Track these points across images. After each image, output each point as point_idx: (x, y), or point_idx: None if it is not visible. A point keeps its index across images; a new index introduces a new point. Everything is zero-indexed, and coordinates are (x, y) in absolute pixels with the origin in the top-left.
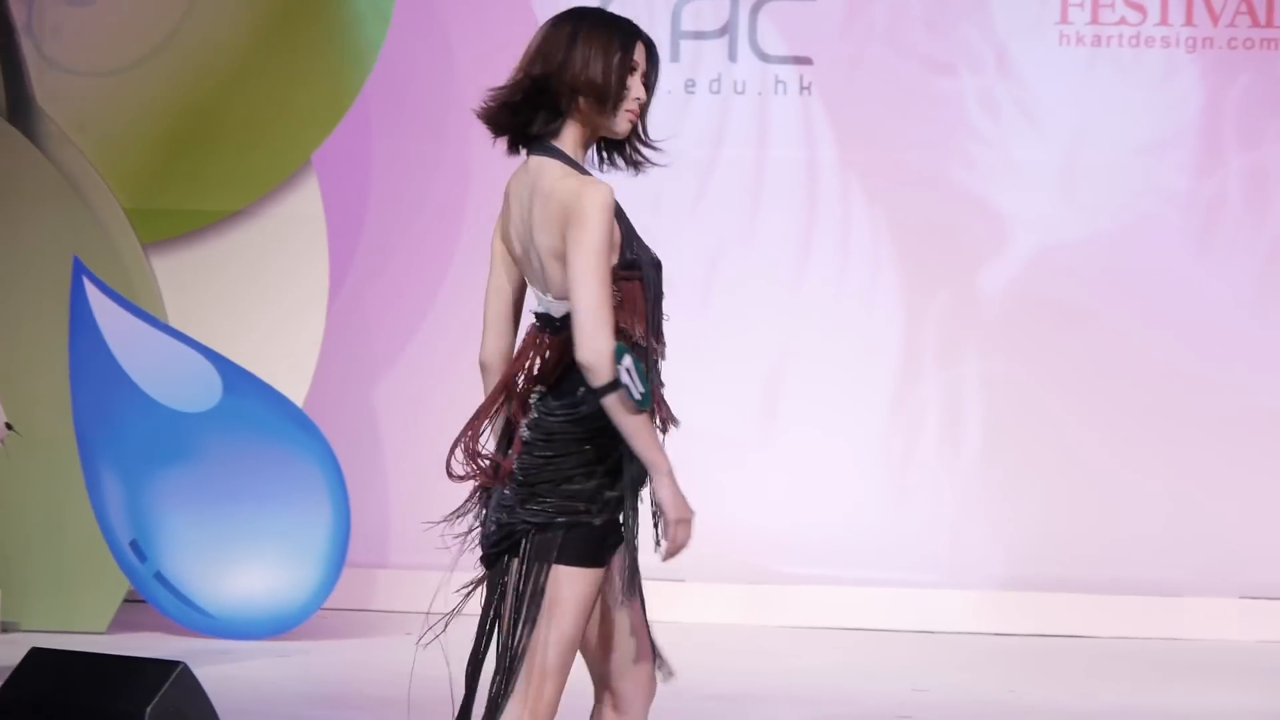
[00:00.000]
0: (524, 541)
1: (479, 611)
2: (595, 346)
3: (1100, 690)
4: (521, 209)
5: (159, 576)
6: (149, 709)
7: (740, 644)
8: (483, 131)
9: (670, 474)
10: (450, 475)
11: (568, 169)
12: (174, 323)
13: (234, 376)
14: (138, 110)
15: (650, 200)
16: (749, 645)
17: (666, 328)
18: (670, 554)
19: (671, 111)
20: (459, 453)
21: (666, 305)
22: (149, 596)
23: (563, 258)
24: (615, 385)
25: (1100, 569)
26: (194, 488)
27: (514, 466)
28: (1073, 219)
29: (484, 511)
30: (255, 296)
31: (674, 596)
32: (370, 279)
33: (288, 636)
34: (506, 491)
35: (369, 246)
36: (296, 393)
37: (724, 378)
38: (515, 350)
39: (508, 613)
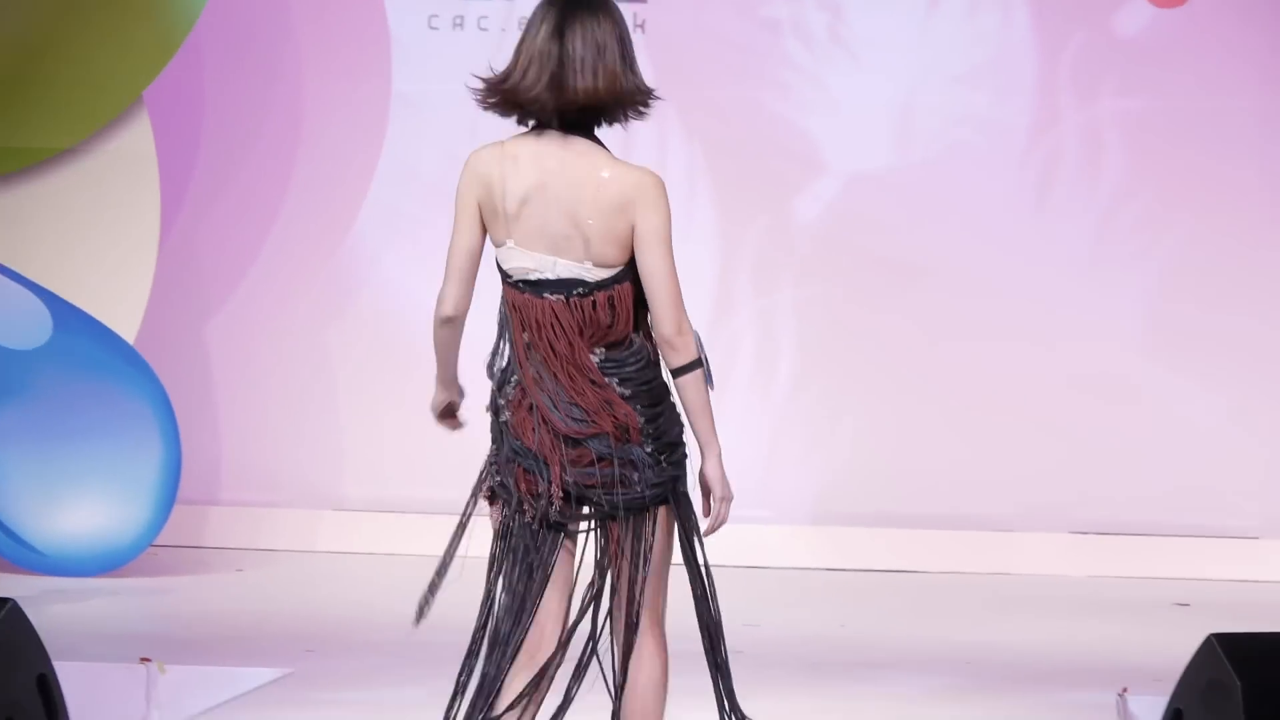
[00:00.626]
0: (658, 500)
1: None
2: (684, 327)
3: (931, 624)
4: (559, 181)
5: None
6: None
7: None
8: (316, 71)
9: (721, 454)
10: (575, 432)
11: (612, 157)
12: (3, 260)
13: (64, 314)
14: None
15: (467, 133)
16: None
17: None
18: (713, 529)
19: (503, 47)
20: (560, 415)
21: None
22: None
23: (620, 238)
24: (697, 364)
25: (931, 505)
26: (23, 425)
27: (640, 423)
28: (889, 152)
29: (540, 473)
30: (86, 234)
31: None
32: (202, 217)
33: (119, 573)
34: (635, 449)
35: (201, 185)
36: (127, 330)
37: None
38: (531, 321)
39: (626, 564)
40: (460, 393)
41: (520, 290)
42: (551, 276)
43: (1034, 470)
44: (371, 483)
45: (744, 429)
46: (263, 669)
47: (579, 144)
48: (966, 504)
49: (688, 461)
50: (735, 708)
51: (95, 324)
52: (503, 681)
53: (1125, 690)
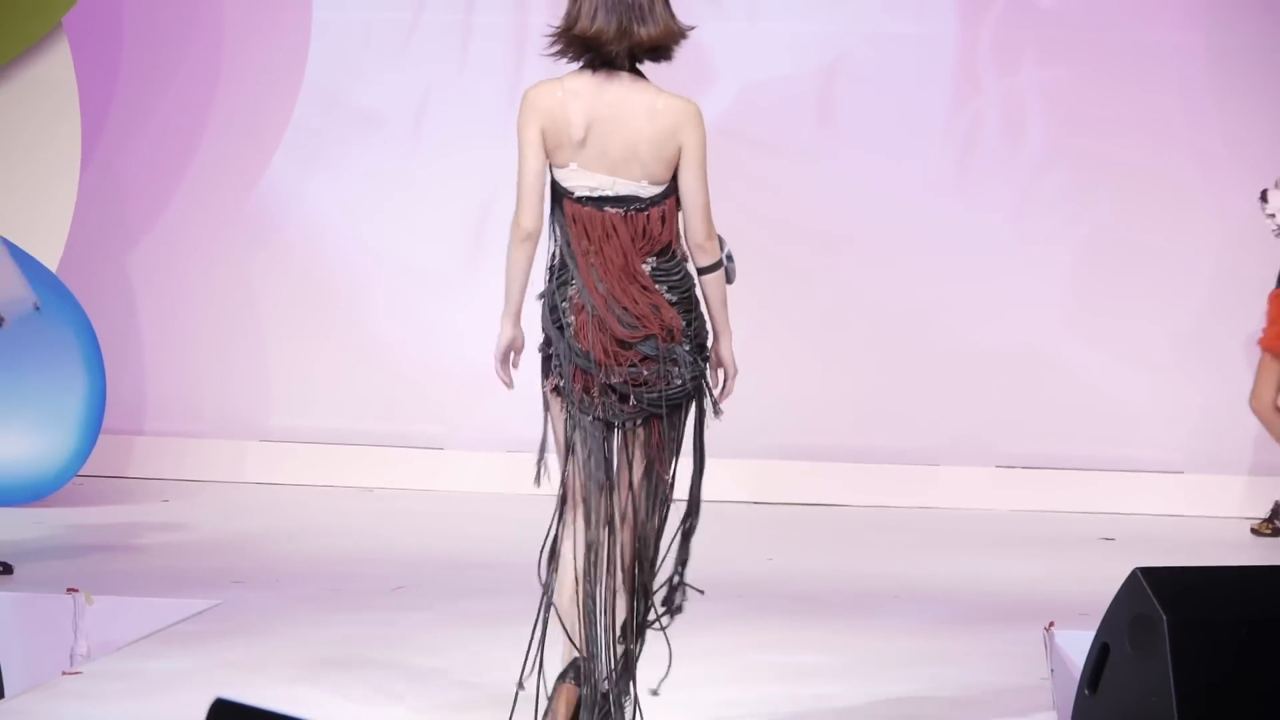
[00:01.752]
0: (692, 396)
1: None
2: (712, 233)
3: (857, 558)
4: (616, 112)
5: None
6: None
7: (502, 512)
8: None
9: (732, 338)
10: (628, 336)
11: (659, 89)
12: None
13: None
14: None
15: (389, 60)
16: (512, 514)
17: None
18: (724, 398)
19: None
20: (618, 317)
21: None
22: None
23: (669, 159)
24: (719, 265)
25: (856, 439)
26: None
27: (683, 325)
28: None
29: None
30: (6, 161)
31: (435, 464)
32: (123, 146)
33: (44, 503)
34: (678, 348)
35: (121, 112)
36: (49, 258)
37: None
38: (595, 233)
39: (654, 461)
40: (522, 332)
41: (583, 205)
42: (612, 193)
43: (959, 405)
44: (298, 413)
45: None
46: (191, 600)
47: (630, 79)
48: (892, 438)
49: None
50: (682, 575)
51: (17, 252)
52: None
53: (1052, 625)
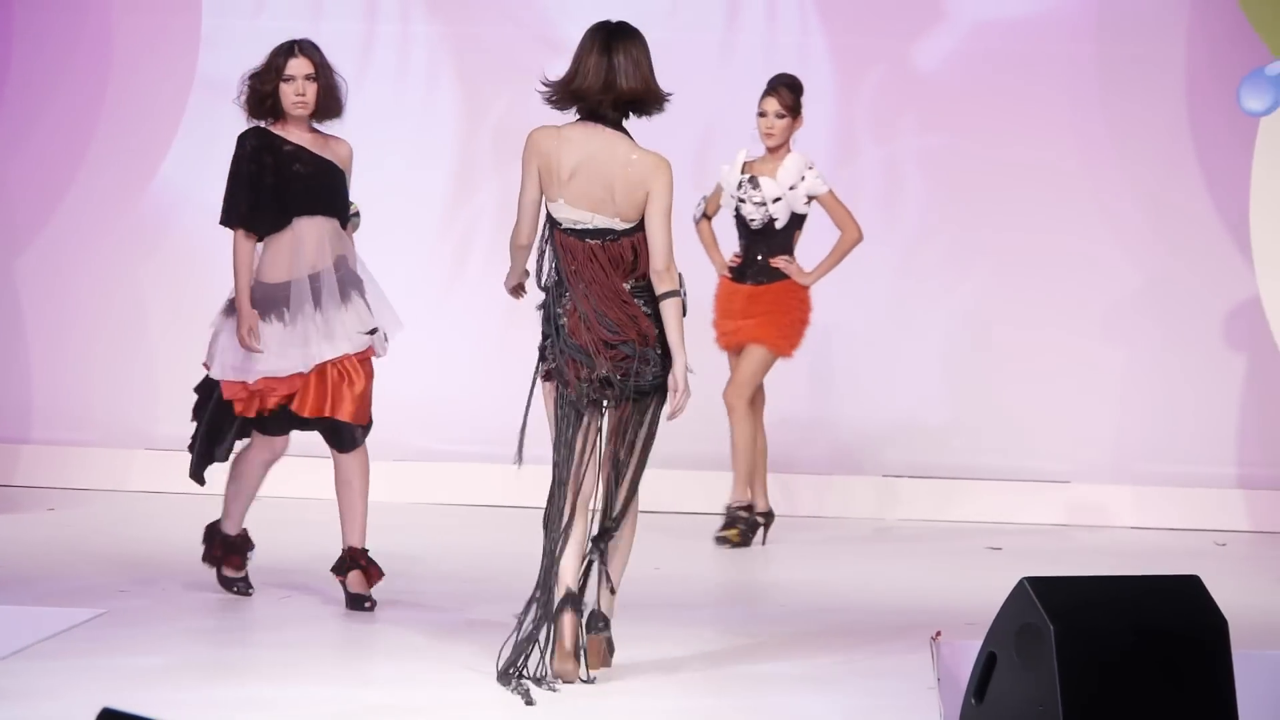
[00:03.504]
0: (658, 389)
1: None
2: (671, 265)
3: (745, 566)
4: (599, 159)
5: None
6: None
7: (389, 521)
8: (126, 3)
9: (685, 361)
10: (610, 339)
11: (635, 144)
12: None
13: None
14: None
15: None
16: (397, 521)
17: None
18: (675, 414)
19: None
20: (608, 323)
21: None
22: None
23: (639, 203)
24: (676, 293)
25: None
26: None
27: (655, 334)
28: None
29: (583, 369)
30: None
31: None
32: (11, 151)
33: None
34: (650, 350)
35: (10, 118)
36: None
37: None
38: (580, 257)
39: (627, 443)
40: (526, 274)
41: (568, 234)
42: (591, 226)
43: (846, 414)
44: (183, 421)
45: None
46: (76, 609)
47: (613, 134)
48: (783, 448)
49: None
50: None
51: None
52: (573, 511)
53: (939, 634)
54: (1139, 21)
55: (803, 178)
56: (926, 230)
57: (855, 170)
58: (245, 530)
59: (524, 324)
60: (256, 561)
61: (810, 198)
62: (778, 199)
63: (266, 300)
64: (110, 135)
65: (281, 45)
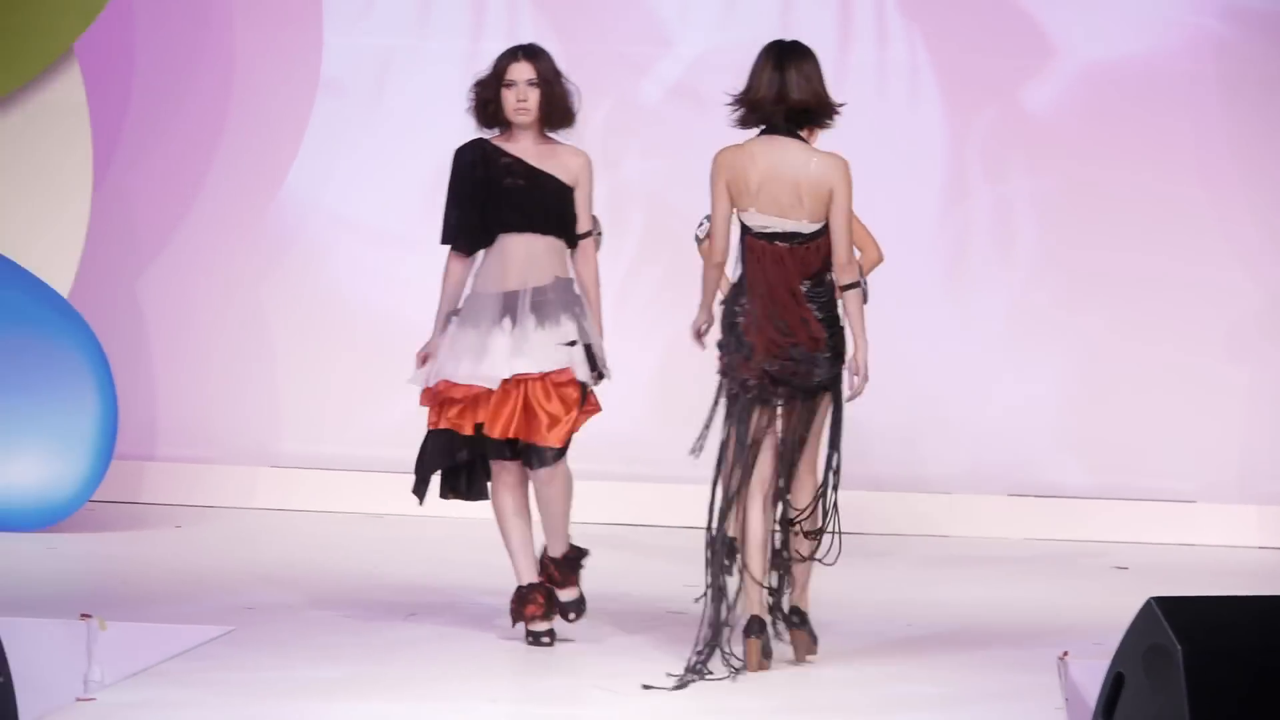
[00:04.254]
0: (826, 387)
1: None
2: (852, 259)
3: (872, 586)
4: (781, 167)
5: None
6: None
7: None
8: (246, 19)
9: (867, 347)
10: (783, 341)
11: (814, 150)
12: None
13: None
14: None
15: (397, 85)
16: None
17: None
18: (855, 396)
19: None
20: (777, 327)
21: None
22: None
23: (823, 203)
24: (857, 284)
25: (871, 467)
26: None
27: (824, 337)
28: None
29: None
30: (18, 186)
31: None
32: (134, 169)
33: (56, 529)
34: (817, 354)
35: (133, 136)
36: (61, 283)
37: None
38: (766, 260)
39: (796, 441)
40: (710, 320)
41: (758, 239)
42: (780, 230)
43: (972, 433)
44: (308, 439)
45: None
46: (204, 626)
47: (791, 142)
48: (906, 466)
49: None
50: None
51: (28, 276)
52: (744, 496)
53: (1066, 654)
54: (1264, 44)
55: None
56: (1045, 259)
57: (967, 209)
58: (545, 578)
59: (627, 335)
60: (378, 578)
61: None
62: None
63: (470, 309)
64: (232, 151)
65: (505, 50)
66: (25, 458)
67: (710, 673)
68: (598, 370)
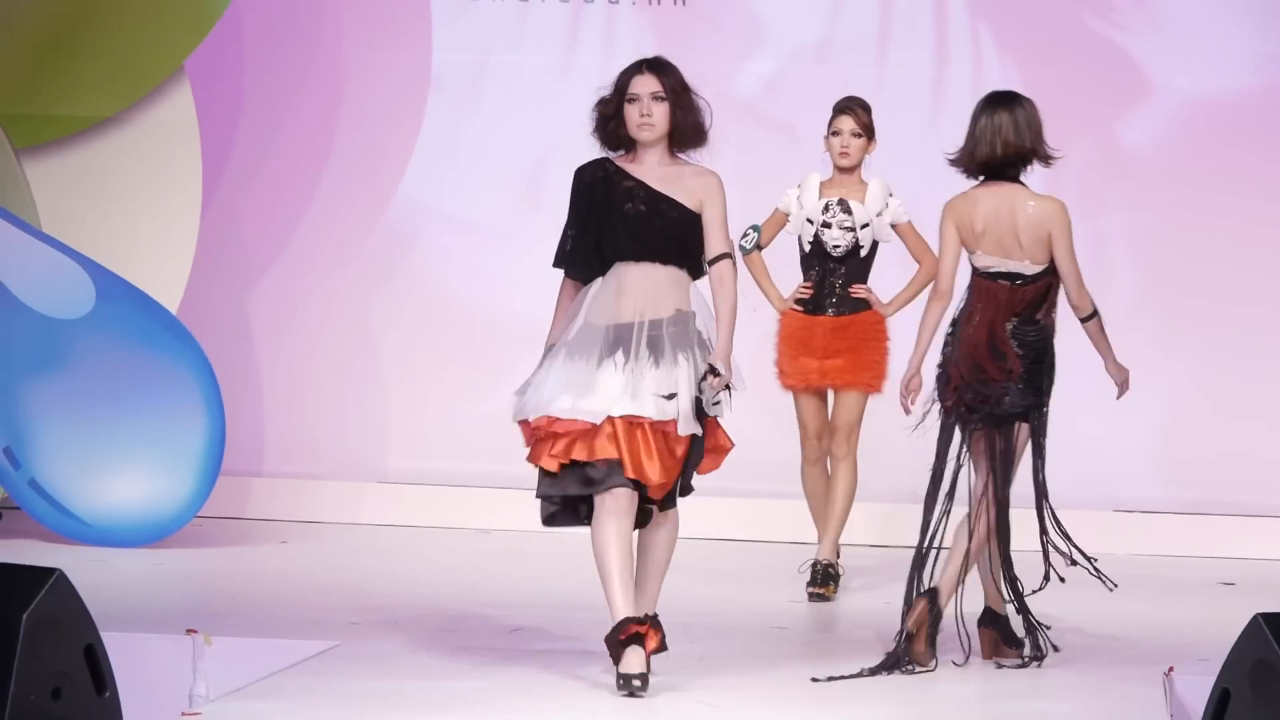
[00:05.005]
0: (1020, 417)
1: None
2: (1083, 294)
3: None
4: (1002, 212)
5: (33, 484)
6: (25, 615)
7: None
8: (356, 40)
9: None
10: (976, 373)
11: (1031, 192)
12: (47, 229)
13: (107, 283)
14: (9, 15)
15: (502, 105)
16: None
17: None
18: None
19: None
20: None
21: None
22: (23, 504)
23: (1043, 244)
24: (1094, 315)
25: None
26: (68, 395)
27: (1020, 371)
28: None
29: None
30: (129, 203)
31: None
32: (243, 186)
33: (164, 544)
34: (1014, 385)
35: (242, 154)
36: (170, 300)
37: None
38: (986, 295)
39: (996, 460)
40: (919, 371)
41: (984, 278)
42: (1004, 270)
43: (1078, 449)
44: (414, 455)
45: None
46: (310, 641)
47: (1010, 187)
48: (1015, 484)
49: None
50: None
51: (138, 293)
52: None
53: (1171, 670)
54: None
55: (886, 205)
56: (1138, 296)
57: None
58: (647, 618)
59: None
60: (483, 593)
61: (893, 225)
62: (865, 224)
63: (580, 340)
64: (340, 168)
65: (630, 64)
66: (133, 474)
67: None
68: (727, 389)
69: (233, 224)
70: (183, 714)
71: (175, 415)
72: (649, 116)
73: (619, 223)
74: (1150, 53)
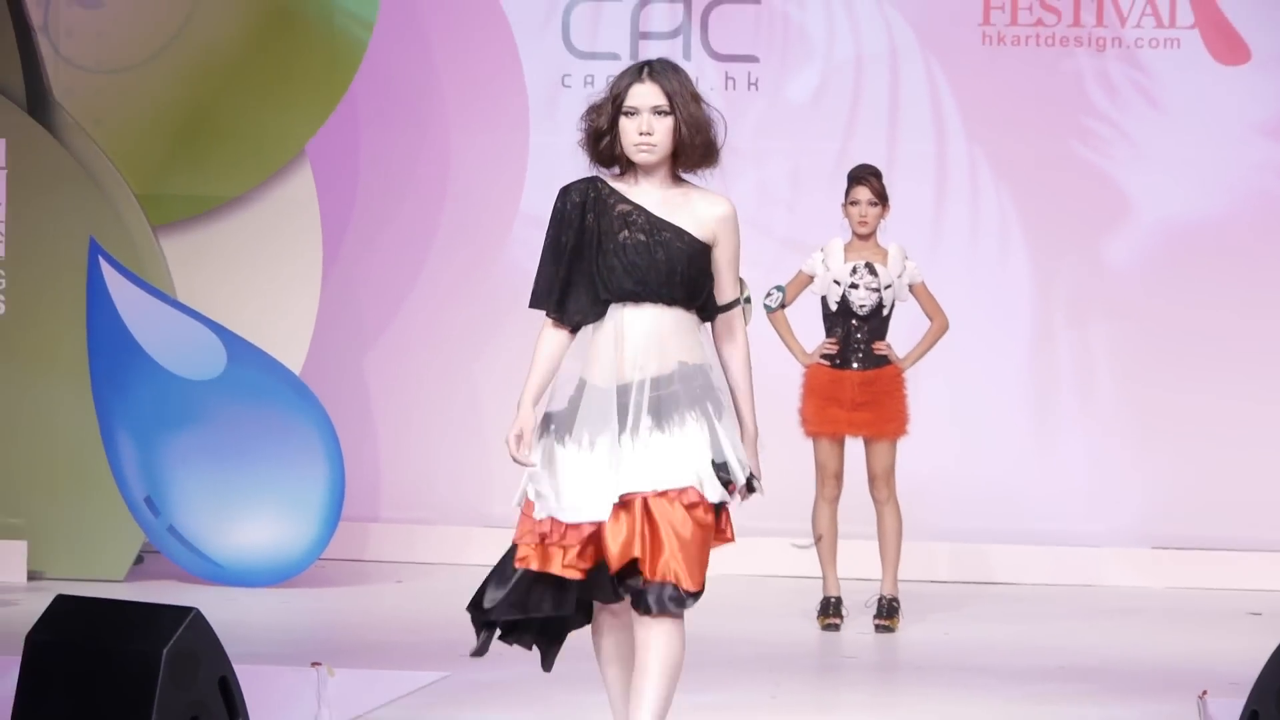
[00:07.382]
0: None
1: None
2: None
3: (1026, 631)
4: None
5: (171, 530)
6: (165, 650)
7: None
8: (460, 121)
9: None
10: None
11: None
12: (182, 298)
13: (237, 347)
14: (147, 104)
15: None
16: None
17: None
18: None
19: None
20: None
21: None
22: (162, 548)
23: None
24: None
25: (1010, 521)
26: (202, 449)
27: None
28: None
29: None
30: (256, 274)
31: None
32: (360, 258)
33: (289, 584)
34: None
35: (358, 228)
36: (294, 362)
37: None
38: None
39: None
40: None
41: None
42: None
43: (1119, 492)
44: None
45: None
46: (423, 672)
47: None
48: (1054, 522)
49: None
50: None
51: (265, 356)
52: None
53: (1205, 693)
54: None
55: (904, 267)
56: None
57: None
58: None
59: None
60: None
61: (909, 285)
62: (889, 285)
63: (579, 411)
64: (447, 241)
65: (629, 67)
66: (262, 520)
67: None
68: (747, 482)
69: (350, 292)
70: None
71: (299, 466)
72: (649, 136)
73: (616, 254)
74: (1130, 176)
